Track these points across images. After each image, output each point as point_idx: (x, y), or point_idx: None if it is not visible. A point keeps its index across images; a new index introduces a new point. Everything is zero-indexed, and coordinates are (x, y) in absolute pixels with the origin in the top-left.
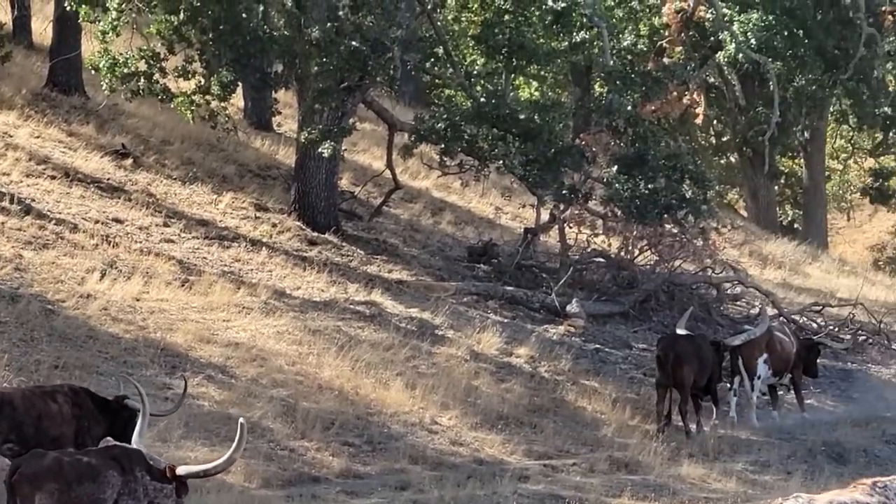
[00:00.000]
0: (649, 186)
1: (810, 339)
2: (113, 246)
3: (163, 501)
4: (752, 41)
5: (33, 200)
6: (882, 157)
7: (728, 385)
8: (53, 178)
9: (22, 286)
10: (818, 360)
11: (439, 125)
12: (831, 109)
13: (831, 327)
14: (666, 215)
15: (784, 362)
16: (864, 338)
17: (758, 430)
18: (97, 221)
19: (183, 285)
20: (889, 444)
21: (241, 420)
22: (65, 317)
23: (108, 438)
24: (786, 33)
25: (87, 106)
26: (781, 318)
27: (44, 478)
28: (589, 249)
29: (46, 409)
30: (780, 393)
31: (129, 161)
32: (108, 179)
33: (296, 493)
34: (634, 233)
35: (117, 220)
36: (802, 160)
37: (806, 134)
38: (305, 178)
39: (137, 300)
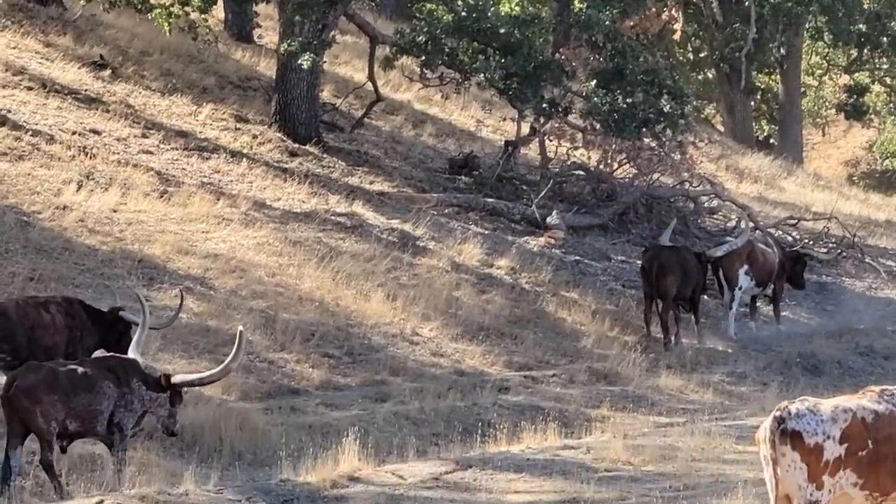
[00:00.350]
0: (628, 101)
1: (796, 250)
2: (90, 157)
3: (156, 411)
4: None
5: (9, 111)
6: (856, 74)
7: (716, 296)
8: (30, 88)
9: None
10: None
11: (420, 38)
12: (807, 26)
13: (806, 240)
14: (644, 129)
15: (767, 273)
16: (838, 251)
17: (734, 342)
18: (74, 133)
19: (161, 196)
20: (863, 356)
21: (239, 328)
22: (41, 228)
23: (101, 350)
24: None
25: (64, 16)
26: (758, 231)
27: (41, 390)
28: (569, 162)
29: (39, 320)
30: (758, 305)
31: (107, 72)
32: (85, 90)
33: (275, 406)
34: (613, 146)
35: (95, 132)
36: (778, 76)
37: (782, 50)
38: (286, 89)
39: (115, 211)
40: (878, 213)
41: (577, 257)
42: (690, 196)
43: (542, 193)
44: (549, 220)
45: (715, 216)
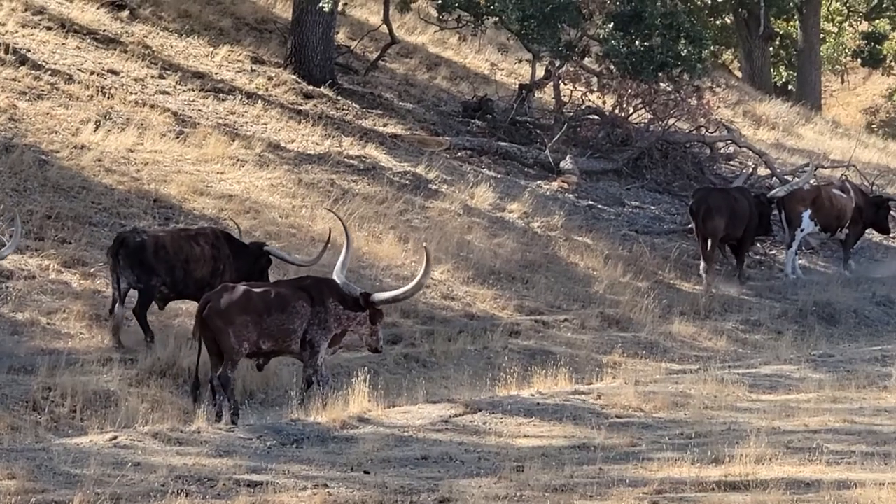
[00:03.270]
0: (645, 44)
1: (880, 196)
2: (108, 97)
3: (357, 329)
4: None
5: (28, 51)
6: (877, 21)
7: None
8: (49, 28)
9: (16, 136)
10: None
11: None
12: None
13: None
14: (661, 73)
15: (835, 218)
16: None
17: (792, 279)
18: (92, 73)
19: (177, 137)
20: (879, 305)
21: (424, 245)
22: (58, 167)
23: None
24: None
25: None
26: (843, 176)
27: (234, 310)
28: (584, 106)
29: (192, 252)
30: (772, 253)
31: (126, 13)
32: (104, 31)
33: None
34: (629, 90)
35: (113, 72)
36: (797, 22)
37: None
38: (302, 31)
39: (132, 151)
40: None
41: (591, 202)
42: (707, 142)
43: (556, 137)
44: (562, 164)
45: (731, 162)
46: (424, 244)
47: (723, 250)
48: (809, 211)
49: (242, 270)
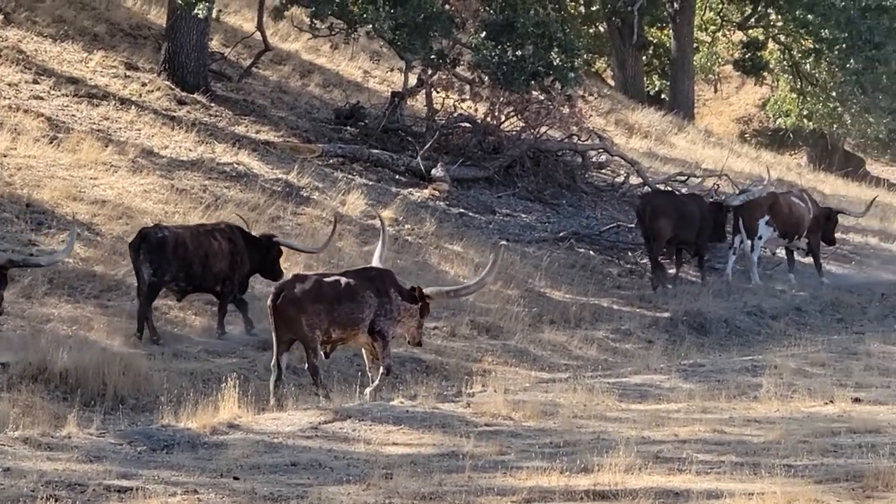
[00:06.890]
0: (517, 53)
1: (829, 207)
2: None
3: (407, 321)
4: None
5: None
6: (750, 31)
7: (729, 244)
8: None
9: None
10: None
11: None
12: None
13: None
14: (533, 82)
15: (793, 226)
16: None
17: (760, 285)
18: None
19: (51, 142)
20: (750, 316)
21: (502, 243)
22: None
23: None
24: None
25: None
26: (800, 186)
27: (307, 300)
28: (455, 114)
29: (211, 247)
30: (643, 262)
31: (0, 17)
32: None
33: (157, 352)
34: (501, 99)
35: None
36: (671, 31)
37: (675, 5)
38: (176, 38)
39: (4, 156)
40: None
41: (462, 210)
42: (578, 150)
43: (428, 145)
44: (433, 171)
45: (603, 171)
46: (502, 243)
47: (676, 254)
48: (767, 217)
49: (255, 262)
